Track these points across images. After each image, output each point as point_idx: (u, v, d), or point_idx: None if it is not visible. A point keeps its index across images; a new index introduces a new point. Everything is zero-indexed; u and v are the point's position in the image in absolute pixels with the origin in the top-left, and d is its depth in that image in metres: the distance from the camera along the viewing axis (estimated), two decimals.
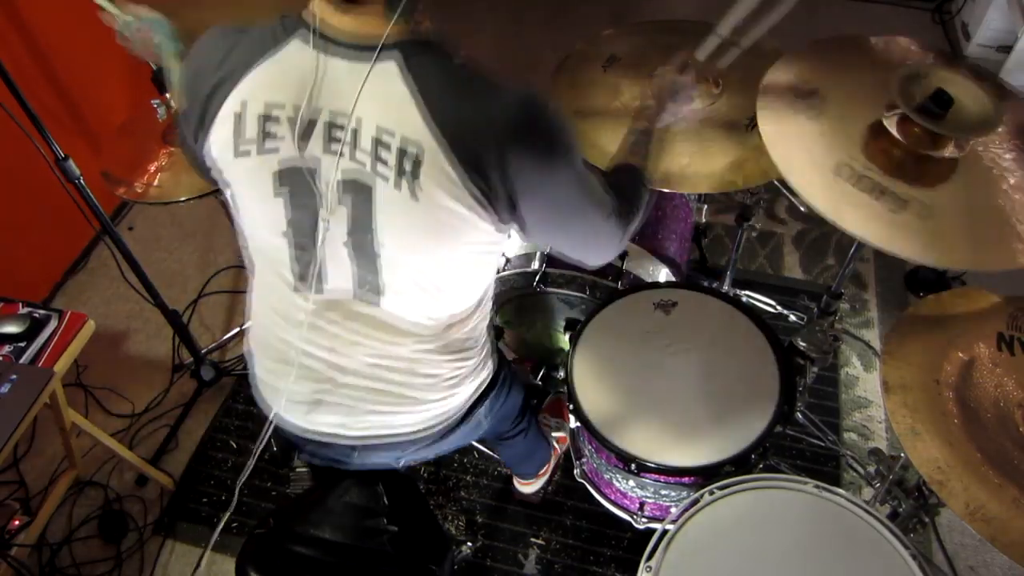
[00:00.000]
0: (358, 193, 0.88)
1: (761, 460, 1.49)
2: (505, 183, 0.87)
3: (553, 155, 0.90)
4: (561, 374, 1.79)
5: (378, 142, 0.85)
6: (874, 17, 3.44)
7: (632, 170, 1.23)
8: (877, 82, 1.40)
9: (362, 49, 0.84)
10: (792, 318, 2.29)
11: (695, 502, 1.29)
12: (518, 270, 1.86)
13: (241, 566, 1.18)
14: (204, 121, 0.92)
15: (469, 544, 1.90)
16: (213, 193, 1.79)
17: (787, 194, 1.37)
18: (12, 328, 1.58)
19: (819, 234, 2.62)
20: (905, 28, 3.37)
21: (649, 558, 1.22)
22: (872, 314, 2.41)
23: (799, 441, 2.05)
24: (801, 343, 1.48)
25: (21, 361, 1.55)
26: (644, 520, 1.62)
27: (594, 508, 1.76)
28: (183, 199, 1.76)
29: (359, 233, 0.91)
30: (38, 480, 2.07)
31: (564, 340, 1.95)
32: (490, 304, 1.16)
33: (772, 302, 2.30)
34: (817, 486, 1.29)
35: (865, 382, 2.24)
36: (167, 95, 1.76)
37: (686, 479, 1.45)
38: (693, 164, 1.56)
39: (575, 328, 1.60)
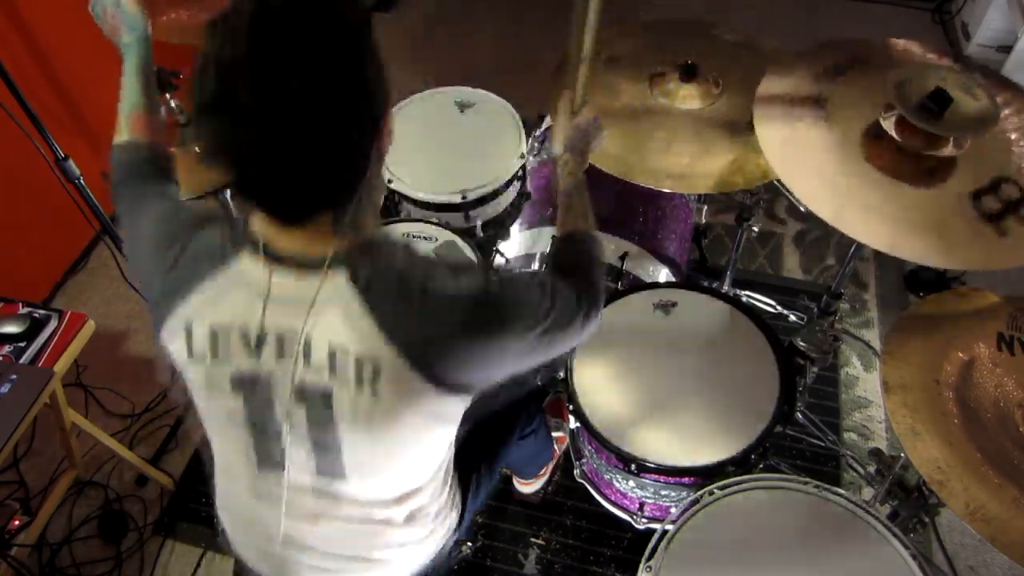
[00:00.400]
0: (316, 396, 0.88)
1: (761, 460, 1.49)
2: (464, 375, 0.88)
3: (507, 339, 0.89)
4: (561, 374, 1.78)
5: (333, 356, 0.84)
6: (874, 17, 3.44)
7: (580, 245, 1.15)
8: (874, 84, 1.40)
9: (309, 267, 0.83)
10: (792, 318, 2.29)
11: (695, 502, 1.29)
12: (518, 271, 1.86)
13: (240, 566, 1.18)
14: (155, 315, 0.92)
15: (469, 544, 1.90)
16: (213, 193, 1.79)
17: (787, 194, 1.37)
18: (12, 328, 1.58)
19: (819, 234, 2.62)
20: (905, 28, 3.37)
21: (649, 558, 1.22)
22: (872, 314, 2.41)
23: (799, 441, 2.05)
24: (801, 343, 1.48)
25: (21, 361, 1.55)
26: (644, 520, 1.62)
27: (594, 508, 1.76)
28: (183, 199, 1.76)
29: (318, 431, 0.91)
30: (38, 480, 2.07)
31: None
32: (451, 462, 1.15)
33: (772, 302, 2.29)
34: (817, 486, 1.29)
35: (865, 382, 2.23)
36: (167, 95, 1.76)
37: (686, 479, 1.45)
38: (693, 164, 1.56)
39: None
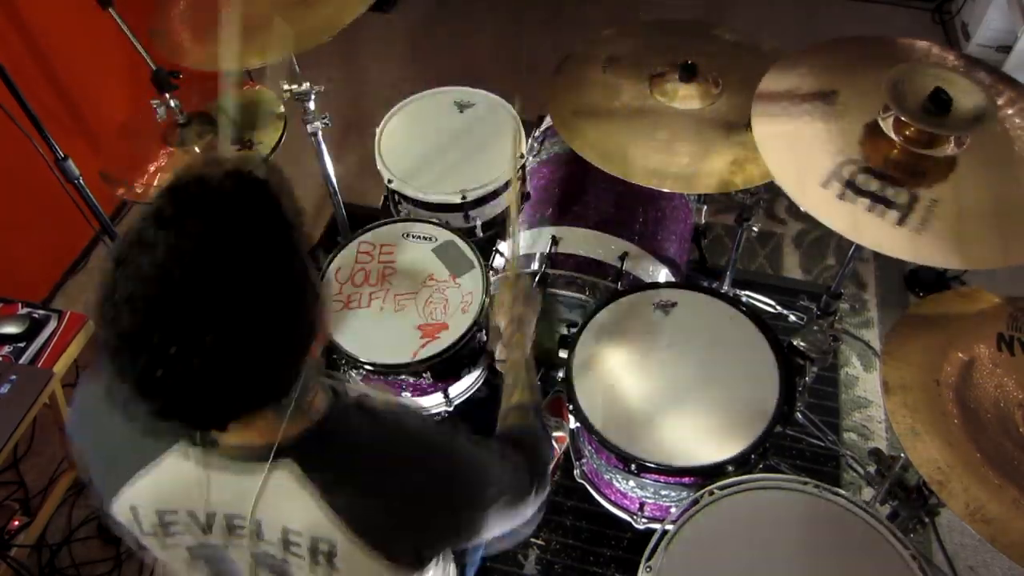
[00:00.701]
0: (275, 564, 0.86)
1: (761, 460, 1.49)
2: (424, 551, 0.86)
3: (468, 516, 0.90)
4: (561, 374, 1.79)
5: (286, 540, 0.82)
6: (874, 17, 3.44)
7: (529, 419, 1.15)
8: (870, 85, 1.40)
9: (250, 460, 0.79)
10: (792, 318, 2.29)
11: (695, 502, 1.29)
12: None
13: None
14: (99, 493, 0.87)
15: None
16: None
17: (787, 194, 1.36)
18: (12, 328, 1.58)
19: (819, 234, 2.62)
20: (905, 28, 3.37)
21: (649, 558, 1.22)
22: (872, 314, 2.41)
23: (799, 441, 2.05)
24: (801, 343, 1.48)
25: (21, 361, 1.55)
26: (644, 520, 1.62)
27: (594, 508, 1.76)
28: None
29: None
30: (38, 480, 2.06)
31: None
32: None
33: (772, 302, 2.29)
34: (817, 486, 1.29)
35: (865, 382, 2.23)
36: (167, 95, 1.76)
37: (686, 479, 1.45)
38: (693, 164, 1.56)
39: (575, 328, 1.60)
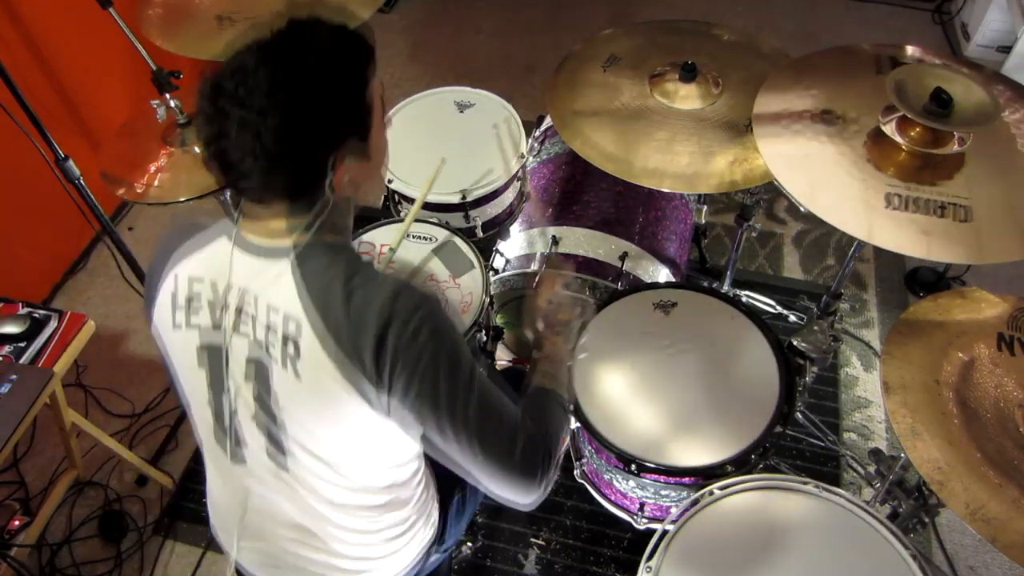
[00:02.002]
0: (260, 372, 0.97)
1: (761, 460, 1.49)
2: (381, 370, 0.91)
3: (432, 347, 0.92)
4: None
5: (269, 328, 0.95)
6: (874, 17, 3.44)
7: (546, 395, 1.13)
8: (860, 94, 1.40)
9: (265, 252, 0.95)
10: (792, 318, 2.29)
11: (695, 502, 1.29)
12: (518, 271, 1.86)
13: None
14: (151, 298, 1.06)
15: (469, 544, 1.90)
16: (213, 193, 1.79)
17: (787, 194, 1.37)
18: (12, 328, 1.58)
19: (819, 234, 2.62)
20: (905, 28, 3.38)
21: (649, 558, 1.22)
22: (872, 314, 2.41)
23: (799, 441, 2.05)
24: (801, 343, 1.48)
25: (21, 361, 1.55)
26: (644, 520, 1.62)
27: (594, 508, 1.76)
28: (183, 199, 1.76)
29: (263, 410, 0.99)
30: (38, 480, 2.07)
31: None
32: (419, 487, 1.16)
33: (772, 302, 2.30)
34: (817, 486, 1.29)
35: (865, 382, 2.24)
36: (167, 95, 1.76)
37: (686, 479, 1.45)
38: (693, 164, 1.56)
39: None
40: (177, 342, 1.03)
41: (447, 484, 1.28)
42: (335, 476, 1.01)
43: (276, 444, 1.00)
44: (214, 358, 1.00)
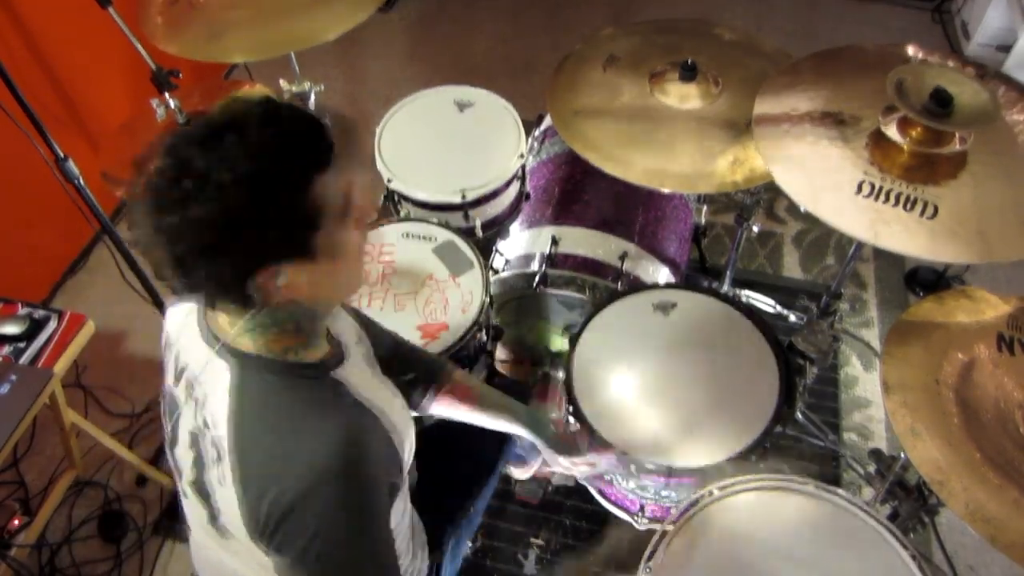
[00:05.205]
0: (197, 450, 0.94)
1: (761, 460, 1.49)
2: (269, 539, 0.86)
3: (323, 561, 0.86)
4: (561, 375, 1.79)
5: (206, 423, 0.91)
6: (874, 17, 3.44)
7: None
8: (861, 95, 1.39)
9: (212, 342, 0.91)
10: (792, 318, 2.28)
11: (695, 502, 1.29)
12: (517, 271, 1.86)
13: None
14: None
15: (469, 544, 1.90)
16: None
17: (787, 194, 1.37)
18: (12, 328, 1.58)
19: (819, 234, 2.62)
20: (905, 28, 3.37)
21: (649, 558, 1.22)
22: (872, 314, 2.41)
23: (799, 441, 2.05)
24: (801, 343, 1.48)
25: (21, 362, 1.55)
26: (644, 521, 1.62)
27: (594, 508, 1.76)
28: None
29: (199, 485, 0.96)
30: (38, 480, 2.06)
31: (563, 341, 1.95)
32: (408, 535, 1.14)
33: (772, 302, 2.29)
34: (817, 486, 1.29)
35: (865, 382, 2.23)
36: (167, 95, 1.76)
37: (686, 479, 1.45)
38: (693, 164, 1.56)
39: (574, 329, 1.60)
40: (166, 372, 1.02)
41: (437, 530, 1.27)
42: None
43: (214, 519, 0.97)
44: (172, 409, 0.98)
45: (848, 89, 1.46)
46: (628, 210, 1.97)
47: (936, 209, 1.25)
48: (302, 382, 0.91)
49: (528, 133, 1.96)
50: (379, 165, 1.87)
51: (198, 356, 0.92)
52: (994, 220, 1.24)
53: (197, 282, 0.81)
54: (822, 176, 1.33)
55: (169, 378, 0.99)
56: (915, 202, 1.26)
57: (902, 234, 1.24)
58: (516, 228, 2.00)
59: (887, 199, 1.28)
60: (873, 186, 1.30)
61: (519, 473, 1.94)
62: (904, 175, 1.30)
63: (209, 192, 0.75)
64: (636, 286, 1.69)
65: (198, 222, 0.76)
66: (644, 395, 1.48)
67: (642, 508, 1.60)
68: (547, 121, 2.23)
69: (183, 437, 0.96)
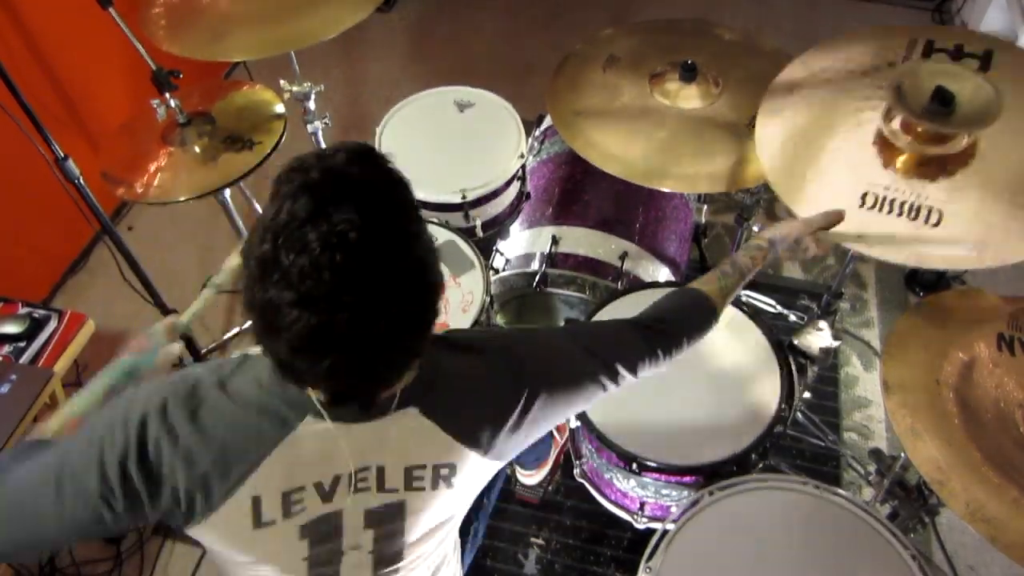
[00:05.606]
0: (387, 513, 0.93)
1: (761, 460, 1.49)
2: (533, 436, 0.98)
3: (554, 401, 0.97)
4: None
5: (409, 473, 0.90)
6: (874, 17, 3.44)
7: (697, 309, 1.16)
8: (864, 91, 1.39)
9: (376, 413, 0.86)
10: (792, 318, 2.28)
11: (695, 502, 1.29)
12: (518, 271, 1.86)
13: None
14: (194, 505, 0.84)
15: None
16: (213, 193, 1.79)
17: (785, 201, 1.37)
18: (12, 328, 1.58)
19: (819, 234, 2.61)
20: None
21: (649, 558, 1.22)
22: (872, 314, 2.41)
23: (799, 441, 2.05)
24: (801, 343, 1.48)
25: (21, 361, 1.55)
26: (644, 520, 1.62)
27: (594, 508, 1.76)
28: (183, 199, 1.76)
29: (383, 544, 0.96)
30: None
31: None
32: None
33: (772, 302, 2.29)
34: (817, 486, 1.29)
35: (865, 382, 2.23)
36: (167, 95, 1.76)
37: (686, 479, 1.45)
38: (693, 164, 1.56)
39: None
40: (264, 537, 0.88)
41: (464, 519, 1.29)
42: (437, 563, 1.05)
43: (389, 570, 0.99)
44: (321, 526, 0.91)
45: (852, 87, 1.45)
46: (628, 210, 1.97)
47: (941, 215, 1.24)
48: (444, 358, 0.93)
49: (528, 133, 1.96)
50: None
51: (361, 441, 0.87)
52: (996, 220, 1.23)
53: (398, 375, 0.81)
54: (825, 178, 1.32)
55: (314, 505, 0.89)
56: (919, 210, 1.26)
57: (907, 247, 1.23)
58: (516, 228, 2.00)
59: (891, 209, 1.27)
60: (877, 197, 1.29)
61: (527, 479, 1.95)
62: (907, 175, 1.29)
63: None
64: (637, 285, 1.69)
65: (402, 319, 0.75)
66: (644, 393, 1.48)
67: (642, 507, 1.60)
68: (547, 121, 2.23)
69: (351, 535, 0.92)
